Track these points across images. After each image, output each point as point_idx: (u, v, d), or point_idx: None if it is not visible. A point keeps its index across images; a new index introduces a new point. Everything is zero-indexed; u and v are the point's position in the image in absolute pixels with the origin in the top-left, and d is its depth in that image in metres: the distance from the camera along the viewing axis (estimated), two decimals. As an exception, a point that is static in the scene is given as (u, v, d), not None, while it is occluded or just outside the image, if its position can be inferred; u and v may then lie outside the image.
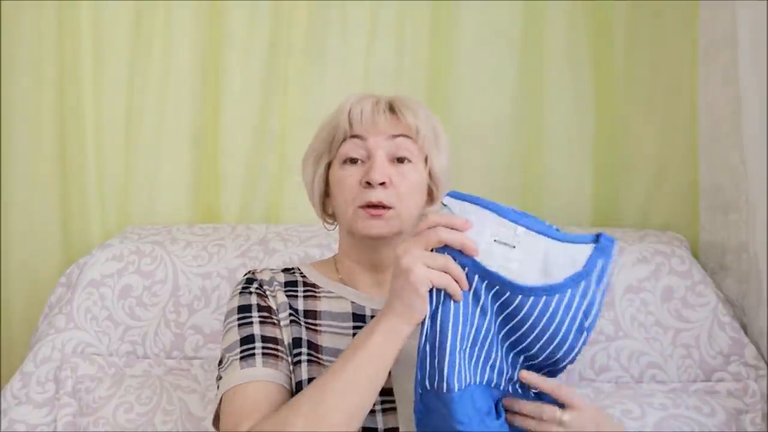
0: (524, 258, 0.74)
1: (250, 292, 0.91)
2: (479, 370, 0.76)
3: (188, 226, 1.50)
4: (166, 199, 1.58)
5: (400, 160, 0.91)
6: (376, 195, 0.87)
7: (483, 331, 0.75)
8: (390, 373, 0.83)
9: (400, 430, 0.82)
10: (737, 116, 1.29)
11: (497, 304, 0.75)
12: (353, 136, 0.91)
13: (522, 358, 0.78)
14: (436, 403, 0.73)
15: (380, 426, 0.82)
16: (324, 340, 0.88)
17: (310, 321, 0.90)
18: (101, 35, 1.55)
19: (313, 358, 0.86)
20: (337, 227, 1.01)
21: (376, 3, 1.57)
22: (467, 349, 0.74)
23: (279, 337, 0.87)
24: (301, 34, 1.56)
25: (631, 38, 1.54)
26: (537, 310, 0.74)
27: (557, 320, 0.75)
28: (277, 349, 0.86)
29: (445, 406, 0.72)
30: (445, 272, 0.73)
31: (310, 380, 0.83)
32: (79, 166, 1.54)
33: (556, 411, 0.77)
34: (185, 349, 1.31)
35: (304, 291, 0.94)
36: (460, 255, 0.74)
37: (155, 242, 1.40)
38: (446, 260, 0.74)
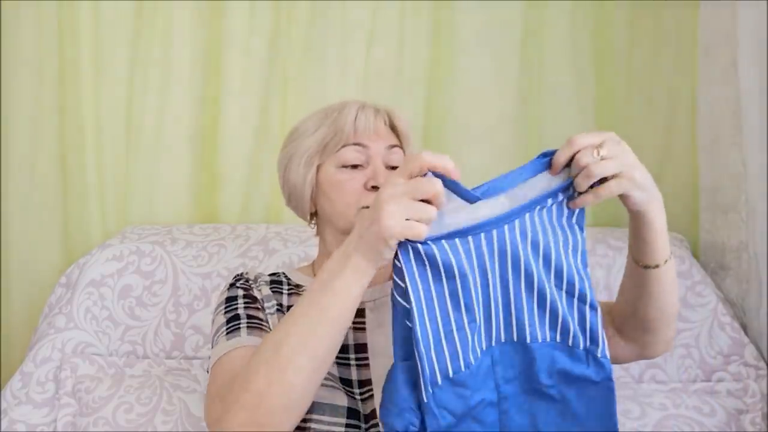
0: (490, 204, 0.72)
1: (237, 287, 0.95)
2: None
3: (188, 226, 1.50)
4: (165, 199, 1.58)
5: (393, 168, 0.96)
6: None
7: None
8: (368, 364, 0.87)
9: (378, 413, 0.84)
10: (737, 116, 1.29)
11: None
12: (355, 144, 0.95)
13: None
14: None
15: (362, 412, 0.85)
16: None
17: None
18: (101, 35, 1.55)
19: None
20: (317, 230, 1.03)
21: (376, 3, 1.57)
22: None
23: (263, 318, 0.90)
24: (301, 34, 1.56)
25: (631, 38, 1.55)
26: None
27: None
28: (261, 325, 0.88)
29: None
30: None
31: None
32: (79, 166, 1.54)
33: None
34: (185, 349, 1.31)
35: (288, 289, 0.97)
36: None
37: (155, 242, 1.40)
38: (426, 209, 0.67)
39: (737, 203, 1.32)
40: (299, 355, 0.70)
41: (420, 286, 0.71)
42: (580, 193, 0.73)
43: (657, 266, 0.80)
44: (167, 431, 1.16)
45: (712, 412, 1.17)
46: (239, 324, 0.86)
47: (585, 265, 0.75)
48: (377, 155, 0.95)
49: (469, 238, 0.71)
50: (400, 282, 0.71)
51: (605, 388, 0.75)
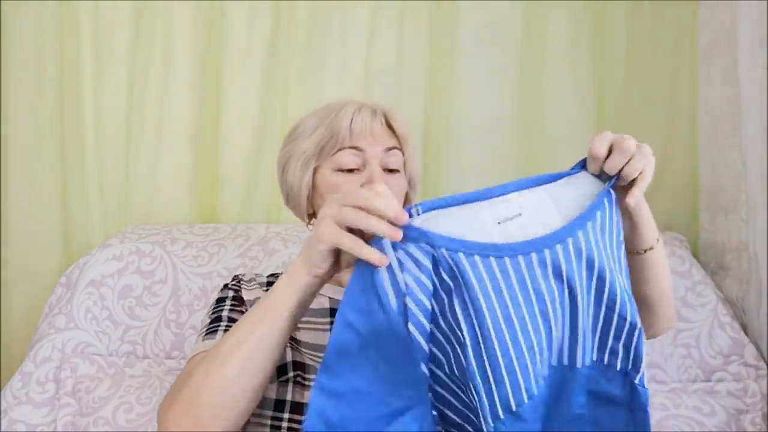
0: (537, 217, 0.70)
1: (229, 288, 0.95)
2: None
3: (188, 226, 1.50)
4: (166, 199, 1.58)
5: (390, 170, 0.95)
6: None
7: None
8: None
9: None
10: (737, 116, 1.29)
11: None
12: (351, 147, 0.93)
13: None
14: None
15: None
16: (303, 336, 0.90)
17: None
18: (101, 35, 1.55)
19: (294, 347, 0.89)
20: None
21: (376, 3, 1.57)
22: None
23: None
24: (301, 34, 1.56)
25: (631, 38, 1.55)
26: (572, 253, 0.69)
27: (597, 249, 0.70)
28: None
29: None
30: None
31: (293, 362, 0.86)
32: (79, 166, 1.54)
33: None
34: (185, 349, 1.31)
35: None
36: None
37: (155, 242, 1.40)
38: (357, 215, 0.67)
39: (737, 203, 1.32)
40: (237, 348, 0.71)
41: (473, 316, 0.66)
42: (623, 189, 0.74)
43: (651, 248, 0.82)
44: (167, 431, 1.16)
45: (712, 412, 1.17)
46: (218, 326, 0.86)
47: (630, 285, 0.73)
48: (373, 158, 0.93)
49: (520, 258, 0.67)
50: (443, 321, 0.67)
51: (639, 415, 0.72)
